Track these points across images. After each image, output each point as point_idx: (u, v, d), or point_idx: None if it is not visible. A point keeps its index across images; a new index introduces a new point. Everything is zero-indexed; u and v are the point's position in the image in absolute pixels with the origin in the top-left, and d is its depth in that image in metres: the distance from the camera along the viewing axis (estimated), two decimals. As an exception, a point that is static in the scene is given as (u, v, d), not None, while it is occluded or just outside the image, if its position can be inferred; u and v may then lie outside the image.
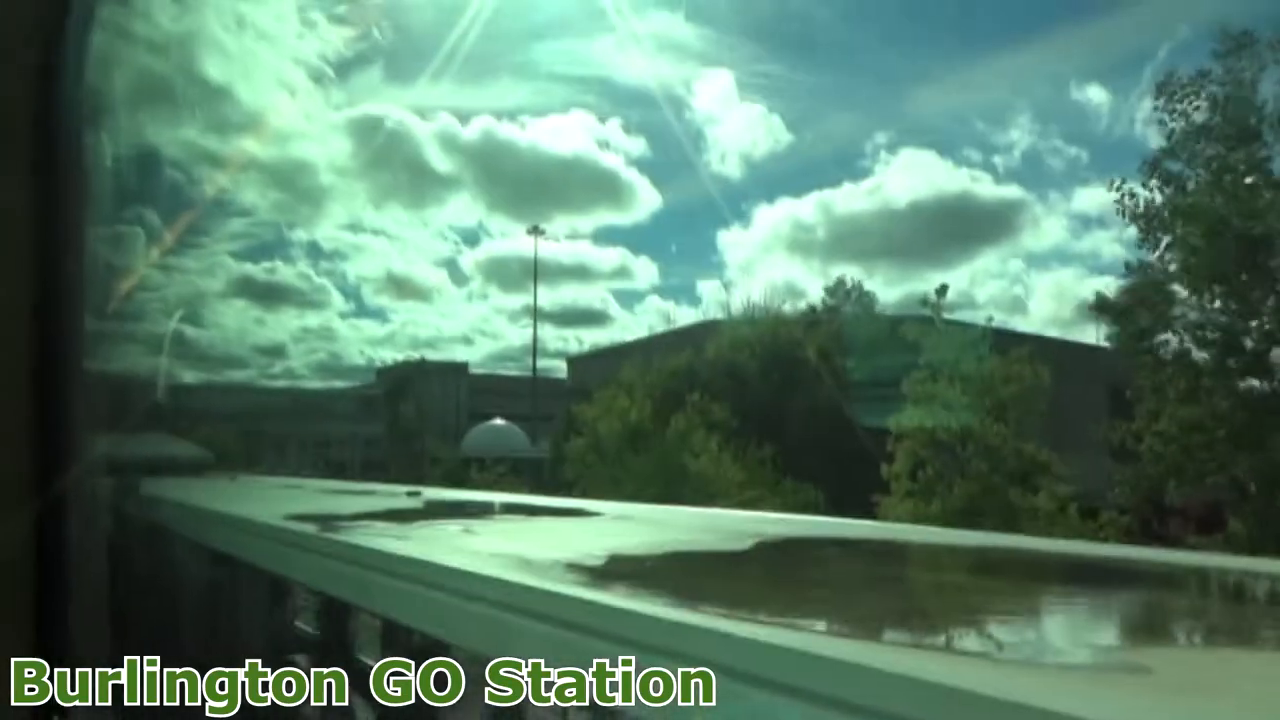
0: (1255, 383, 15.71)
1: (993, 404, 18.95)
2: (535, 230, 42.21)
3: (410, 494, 5.23)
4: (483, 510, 4.62)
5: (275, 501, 5.37)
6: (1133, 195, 16.48)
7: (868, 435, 21.53)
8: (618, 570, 2.19)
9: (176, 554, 4.61)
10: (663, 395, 26.05)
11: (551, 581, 1.91)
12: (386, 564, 2.52)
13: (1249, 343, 15.85)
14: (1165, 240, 16.26)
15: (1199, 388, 15.77)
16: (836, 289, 35.62)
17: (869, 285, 38.37)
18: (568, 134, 57.23)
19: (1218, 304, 15.94)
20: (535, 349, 44.00)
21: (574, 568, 2.14)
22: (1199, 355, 16.38)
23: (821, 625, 1.44)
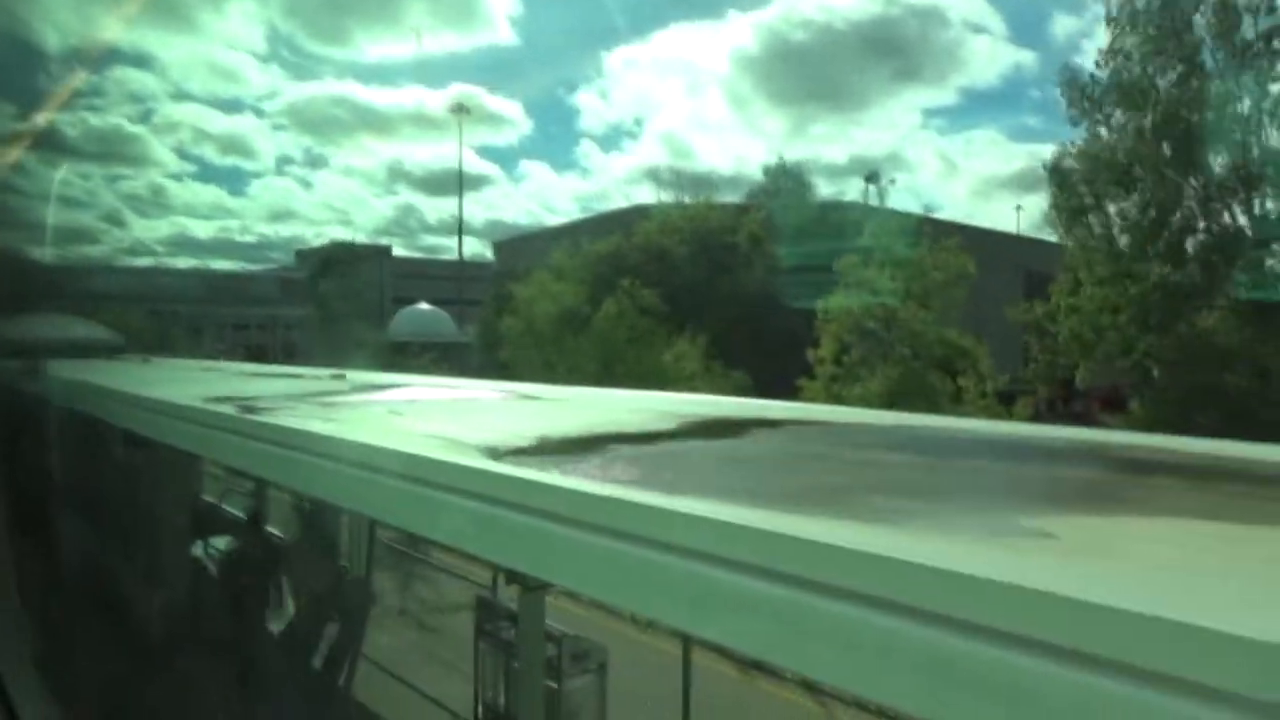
0: (1169, 271, 16.26)
1: (918, 290, 19.34)
2: (460, 109, 39.60)
3: (335, 377, 5.15)
4: (409, 393, 4.58)
5: (194, 384, 5.23)
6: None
7: (798, 319, 21.85)
8: (545, 449, 2.19)
9: (82, 435, 4.47)
10: (594, 279, 25.91)
11: (477, 459, 1.91)
12: (311, 444, 2.48)
13: (1167, 233, 16.35)
14: (1107, 121, 16.45)
15: (1118, 271, 16.32)
16: (774, 172, 34.80)
17: (769, 148, 36.18)
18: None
19: (1145, 193, 16.30)
20: (461, 230, 42.17)
21: (501, 448, 2.14)
22: (1122, 240, 16.85)
23: (739, 498, 1.47)
